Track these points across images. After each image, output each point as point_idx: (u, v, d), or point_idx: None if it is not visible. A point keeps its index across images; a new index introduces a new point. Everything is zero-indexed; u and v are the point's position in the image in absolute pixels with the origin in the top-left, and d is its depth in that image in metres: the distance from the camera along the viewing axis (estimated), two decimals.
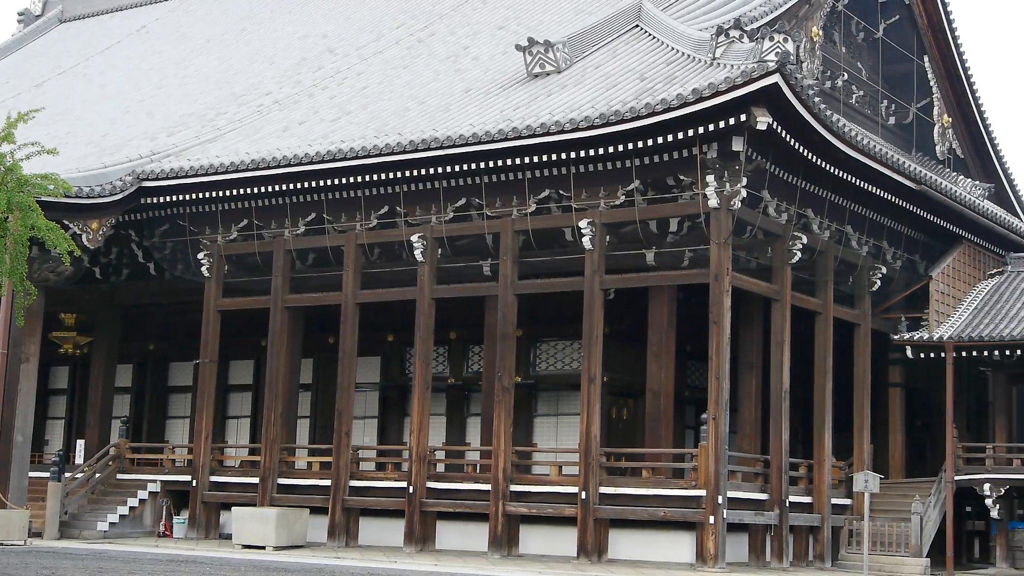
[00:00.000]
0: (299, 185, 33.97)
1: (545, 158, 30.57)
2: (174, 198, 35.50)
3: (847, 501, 34.40)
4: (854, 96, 40.57)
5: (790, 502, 31.55)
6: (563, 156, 30.37)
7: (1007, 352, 35.58)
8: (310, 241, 35.34)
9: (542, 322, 35.46)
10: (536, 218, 31.88)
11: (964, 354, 35.99)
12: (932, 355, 36.10)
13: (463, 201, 32.74)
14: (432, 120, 33.41)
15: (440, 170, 31.95)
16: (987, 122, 44.68)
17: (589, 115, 29.47)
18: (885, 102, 42.54)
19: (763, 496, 31.15)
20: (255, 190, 34.39)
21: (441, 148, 31.17)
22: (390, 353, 39.25)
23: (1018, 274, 39.28)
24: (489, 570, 26.50)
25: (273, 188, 34.20)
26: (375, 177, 32.72)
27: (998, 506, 35.26)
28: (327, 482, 33.79)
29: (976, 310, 37.18)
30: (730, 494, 29.10)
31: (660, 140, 29.12)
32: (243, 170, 33.81)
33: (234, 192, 34.68)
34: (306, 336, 36.90)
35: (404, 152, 31.64)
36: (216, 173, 34.26)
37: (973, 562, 38.77)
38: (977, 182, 42.81)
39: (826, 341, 33.81)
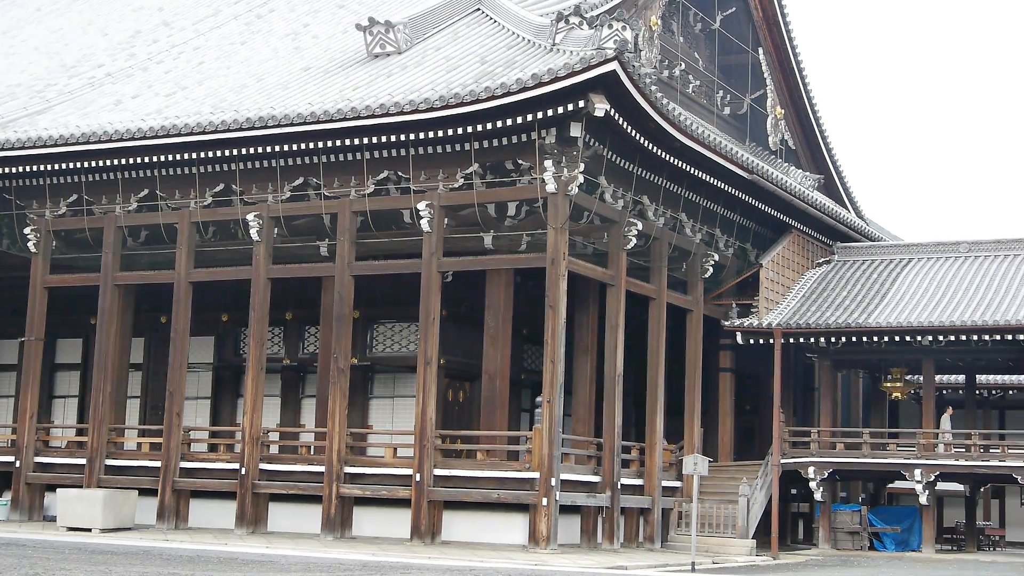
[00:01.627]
0: (131, 160, 33.22)
1: (384, 139, 30.40)
2: (0, 171, 34.43)
3: (677, 483, 35.03)
4: (691, 86, 41.25)
5: (622, 484, 32.00)
6: (402, 138, 30.24)
7: (832, 339, 36.65)
8: (142, 218, 34.61)
9: (379, 304, 35.31)
10: (374, 199, 31.71)
11: (792, 340, 36.99)
12: (761, 341, 37.02)
13: (300, 180, 32.41)
14: (270, 98, 32.96)
15: (277, 148, 31.53)
16: (818, 114, 45.83)
17: (429, 97, 29.39)
18: (721, 92, 43.35)
19: (596, 478, 31.53)
20: (85, 164, 33.53)
21: (279, 126, 30.78)
22: (224, 333, 38.67)
23: (845, 263, 40.47)
24: (322, 552, 26.32)
25: (104, 163, 33.37)
26: (210, 154, 32.17)
27: (822, 488, 36.30)
28: (157, 463, 33.19)
29: (804, 298, 38.18)
30: (563, 476, 29.38)
31: (499, 124, 29.19)
32: (73, 144, 32.90)
33: (63, 166, 33.77)
34: (137, 315, 36.14)
35: (240, 129, 31.14)
36: (44, 146, 33.28)
37: (797, 543, 39.89)
38: (808, 173, 43.89)
39: (659, 326, 34.35)
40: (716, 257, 37.02)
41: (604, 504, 31.40)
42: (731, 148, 34.24)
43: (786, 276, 38.75)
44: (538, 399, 29.77)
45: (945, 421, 37.05)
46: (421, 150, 30.70)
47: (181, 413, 33.35)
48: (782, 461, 36.21)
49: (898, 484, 39.82)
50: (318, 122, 30.27)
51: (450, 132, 29.75)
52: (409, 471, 30.25)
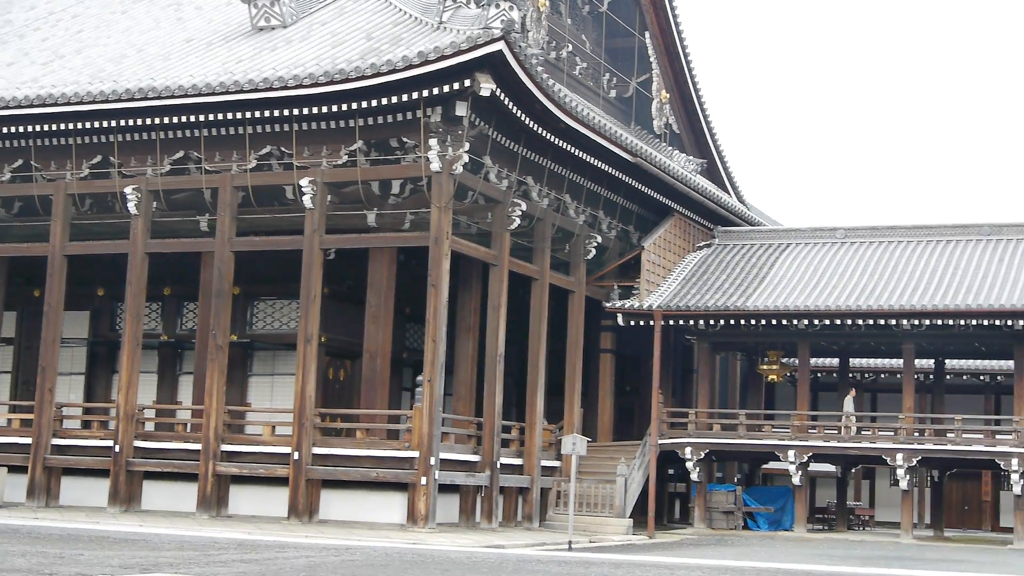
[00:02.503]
0: (5, 130, 32.44)
1: (268, 114, 30.08)
2: None
3: (556, 463, 35.26)
4: (578, 68, 41.40)
5: (501, 464, 32.13)
6: (286, 113, 29.96)
7: (711, 322, 37.12)
8: (16, 189, 33.82)
9: (260, 280, 34.95)
10: (256, 174, 31.36)
11: (671, 323, 37.40)
12: (642, 323, 37.37)
13: (181, 154, 31.92)
14: (150, 69, 32.38)
15: (157, 121, 31.03)
16: (702, 100, 46.32)
17: (314, 72, 29.12)
18: (607, 75, 43.58)
19: (475, 458, 31.61)
20: None
21: (159, 98, 30.30)
22: (100, 308, 37.97)
23: (725, 247, 40.98)
24: (196, 531, 26.01)
25: None
26: (88, 125, 31.54)
27: (698, 469, 36.79)
28: (28, 440, 32.55)
29: (684, 281, 38.60)
30: (443, 455, 29.42)
31: (385, 101, 29.08)
32: None
33: None
34: (9, 288, 35.40)
35: (119, 100, 30.58)
36: None
37: (673, 522, 40.42)
38: (691, 157, 44.37)
39: (541, 307, 34.49)
40: (599, 239, 37.27)
41: (483, 483, 31.50)
42: (616, 131, 34.45)
43: (667, 259, 39.15)
44: (419, 378, 29.75)
45: (848, 403, 37.71)
46: (305, 126, 30.42)
47: (53, 389, 32.74)
48: (660, 442, 36.62)
49: (772, 465, 40.61)
50: (200, 95, 29.85)
51: (335, 108, 29.53)
52: (287, 449, 30.05)
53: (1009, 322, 34.51)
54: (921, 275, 36.76)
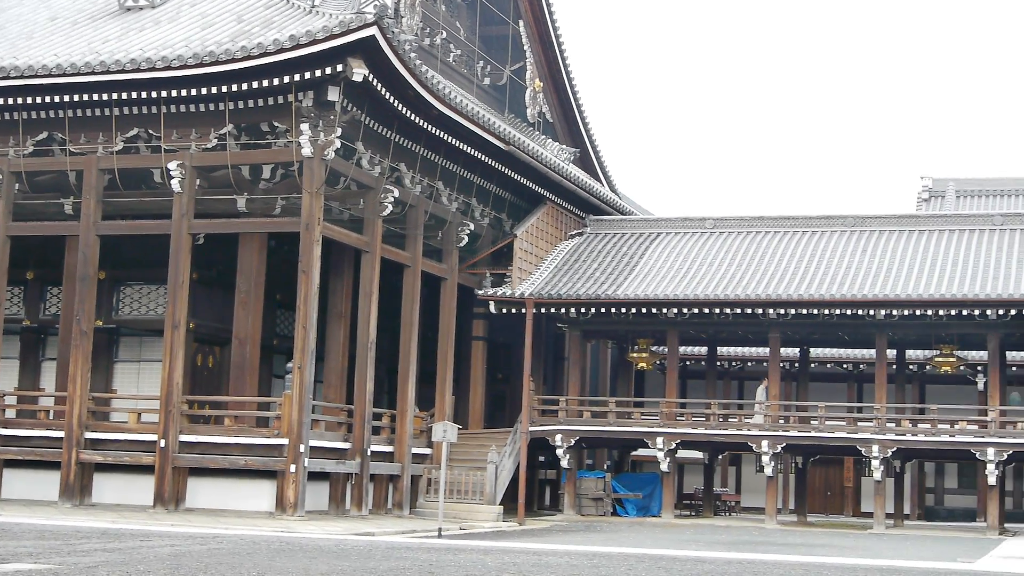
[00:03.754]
0: None
1: (135, 95, 29.56)
2: None
3: (428, 450, 35.24)
4: (452, 55, 41.30)
5: (372, 451, 32.02)
6: (154, 95, 29.49)
7: (582, 310, 37.41)
8: None
9: (126, 265, 34.31)
10: (123, 157, 30.81)
11: (543, 310, 37.63)
12: (514, 311, 37.53)
13: (45, 135, 31.21)
14: (13, 48, 31.60)
15: (20, 101, 30.29)
16: (576, 89, 46.50)
17: (183, 54, 28.67)
18: (481, 63, 43.55)
19: (346, 445, 31.46)
20: None
21: (21, 78, 29.58)
22: None
23: (597, 236, 41.31)
24: (59, 520, 25.47)
25: None
26: None
27: (568, 456, 37.08)
28: None
29: (556, 269, 38.84)
30: (313, 443, 29.23)
31: (255, 85, 28.78)
32: None
33: None
34: None
35: None
36: None
37: (544, 509, 40.70)
38: (564, 146, 44.54)
39: (413, 294, 34.43)
40: (472, 226, 37.30)
41: (353, 471, 31.37)
42: (489, 119, 34.50)
43: (540, 247, 39.35)
44: (289, 365, 29.50)
45: (760, 393, 38.21)
46: (174, 108, 29.96)
47: None
48: (531, 429, 36.84)
49: (642, 452, 41.13)
50: (64, 75, 29.25)
51: (204, 91, 29.13)
52: (154, 437, 29.62)
53: (871, 312, 35.36)
54: (788, 265, 37.47)
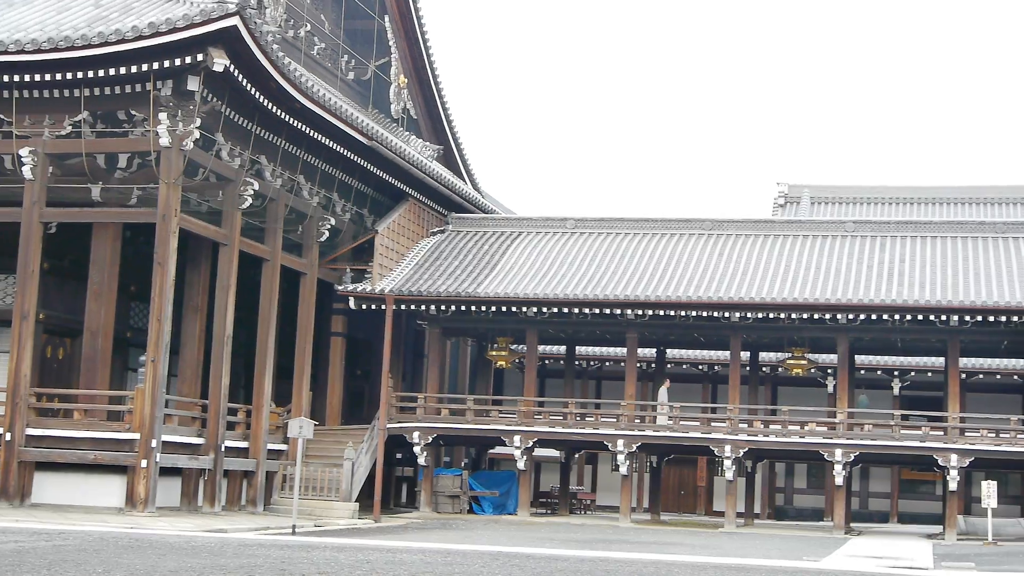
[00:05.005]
0: None
1: None
2: None
3: (283, 447, 34.88)
4: (316, 48, 40.98)
5: (227, 447, 31.60)
6: (6, 79, 28.71)
7: (442, 307, 37.40)
8: None
9: None
10: None
11: (403, 307, 37.53)
12: (374, 307, 37.35)
13: None
14: None
15: None
16: (440, 86, 46.46)
17: (37, 38, 27.95)
18: (346, 57, 43.27)
19: (199, 440, 30.99)
20: None
21: None
22: None
23: (458, 233, 41.33)
24: None
25: None
26: None
27: (425, 453, 37.05)
28: None
29: (417, 266, 38.77)
30: (165, 438, 28.76)
31: (112, 72, 28.21)
32: None
33: None
34: None
35: None
36: None
37: (400, 506, 40.60)
38: (427, 143, 44.50)
39: (272, 288, 34.06)
40: (333, 221, 37.04)
41: (207, 466, 30.91)
42: (352, 113, 34.29)
43: (401, 243, 39.23)
44: (142, 358, 28.97)
45: (662, 394, 38.41)
46: (27, 93, 29.21)
47: None
48: (388, 426, 36.72)
49: (499, 450, 41.25)
50: None
51: (59, 77, 28.45)
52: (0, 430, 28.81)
53: (726, 314, 35.99)
54: (646, 267, 37.93)
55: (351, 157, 35.21)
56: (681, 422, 36.99)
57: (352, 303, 37.42)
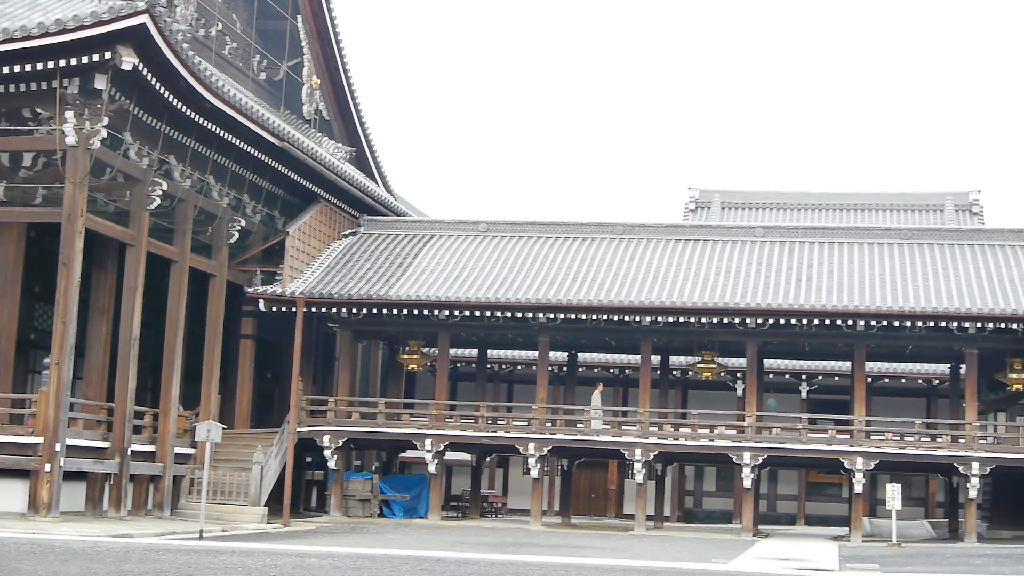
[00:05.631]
0: None
1: None
2: None
3: (191, 450, 34.47)
4: (227, 47, 40.56)
5: (133, 451, 31.18)
6: None
7: (354, 310, 37.19)
8: None
9: None
10: None
11: (314, 310, 37.27)
12: (284, 309, 37.04)
13: None
14: None
15: None
16: (353, 88, 46.21)
17: None
18: (258, 57, 42.89)
19: (105, 444, 30.52)
20: None
21: None
22: None
23: (370, 236, 41.13)
24: None
25: None
26: None
27: (336, 457, 36.82)
28: None
29: (328, 268, 38.52)
30: (69, 442, 28.30)
31: (18, 69, 27.71)
32: None
33: None
34: None
35: None
36: None
37: (310, 511, 40.29)
38: (340, 145, 44.22)
39: (180, 290, 33.66)
40: (243, 223, 36.69)
41: (112, 471, 30.46)
42: (263, 113, 34.00)
43: (312, 246, 38.96)
44: (46, 360, 28.47)
45: (595, 398, 38.39)
46: None
47: None
48: (299, 429, 36.46)
49: (410, 453, 41.08)
50: None
51: None
52: None
53: (637, 318, 36.17)
54: (558, 270, 38.02)
55: (262, 158, 34.91)
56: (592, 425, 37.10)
57: (262, 305, 37.08)
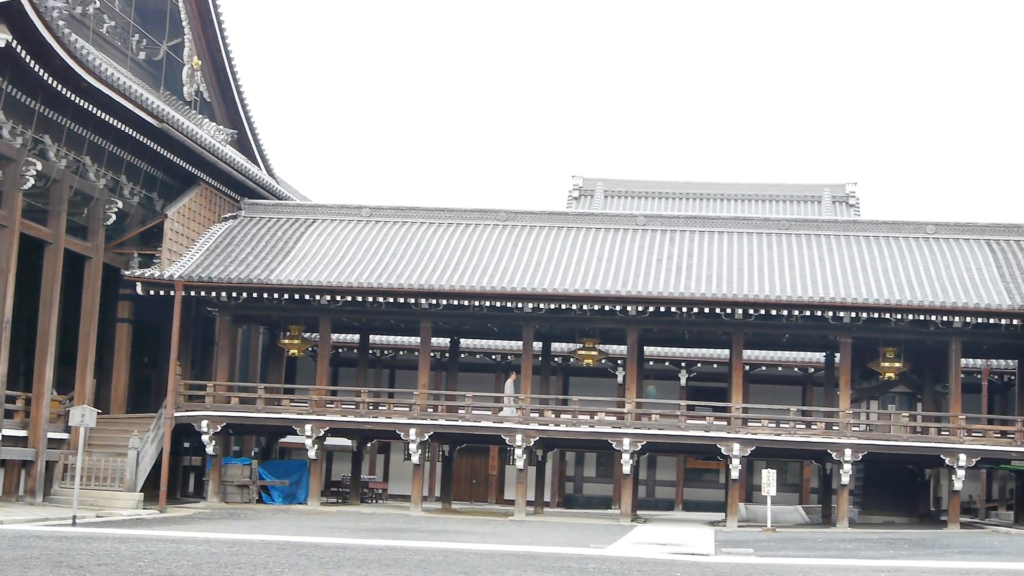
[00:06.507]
0: None
1: None
2: None
3: (65, 435, 33.83)
4: (105, 26, 39.76)
5: (4, 435, 30.52)
6: None
7: (234, 294, 36.77)
8: None
9: None
10: None
11: (193, 294, 36.76)
12: (162, 293, 36.49)
13: None
14: None
15: None
16: (235, 70, 45.66)
17: None
18: (137, 36, 42.13)
19: None
20: None
21: None
22: None
23: (251, 219, 40.66)
24: None
25: None
26: None
27: (214, 442, 36.42)
28: None
29: (208, 251, 38.02)
30: None
31: None
32: None
33: None
34: None
35: None
36: None
37: (188, 496, 39.81)
38: (221, 127, 43.67)
39: (54, 272, 33.00)
40: (120, 204, 36.05)
41: None
42: (141, 94, 33.43)
43: (192, 229, 38.41)
44: None
45: (508, 386, 38.19)
46: None
47: None
48: (176, 414, 35.98)
49: (291, 439, 40.78)
50: None
51: None
52: None
53: (519, 304, 36.28)
54: (441, 256, 37.98)
55: (141, 139, 34.33)
56: (474, 411, 37.16)
57: (139, 289, 36.48)
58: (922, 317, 35.39)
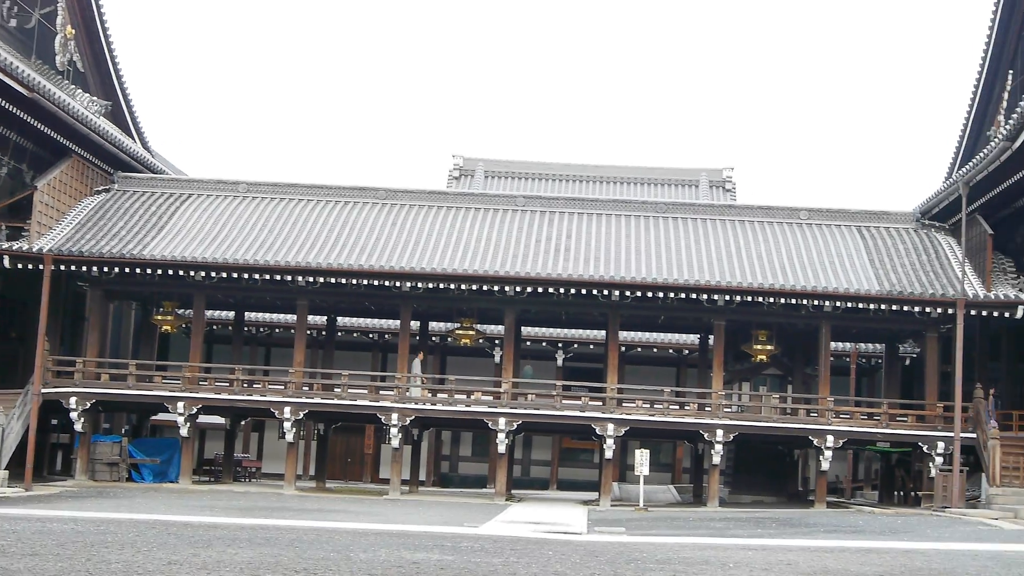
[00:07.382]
0: None
1: None
2: None
3: None
4: None
5: None
6: None
7: (105, 269, 36.09)
8: None
9: None
10: None
11: (63, 268, 35.99)
12: (31, 267, 35.67)
13: None
14: None
15: None
16: (110, 40, 44.72)
17: None
18: (8, 2, 41.02)
19: None
20: None
21: None
22: None
23: (125, 193, 39.92)
24: None
25: None
26: None
27: (83, 419, 35.74)
28: None
29: (80, 225, 37.24)
30: None
31: None
32: None
33: None
34: None
35: None
36: None
37: (55, 474, 39.03)
38: (95, 98, 42.74)
39: None
40: None
41: None
42: (11, 62, 32.60)
43: (63, 202, 37.58)
44: None
45: (416, 365, 37.72)
46: None
47: None
48: (44, 391, 35.24)
49: (162, 416, 40.17)
50: None
51: None
52: None
53: (397, 283, 36.11)
54: (319, 234, 37.68)
55: (10, 108, 33.49)
56: (350, 390, 36.97)
57: (7, 262, 35.61)
58: (794, 301, 36.02)
